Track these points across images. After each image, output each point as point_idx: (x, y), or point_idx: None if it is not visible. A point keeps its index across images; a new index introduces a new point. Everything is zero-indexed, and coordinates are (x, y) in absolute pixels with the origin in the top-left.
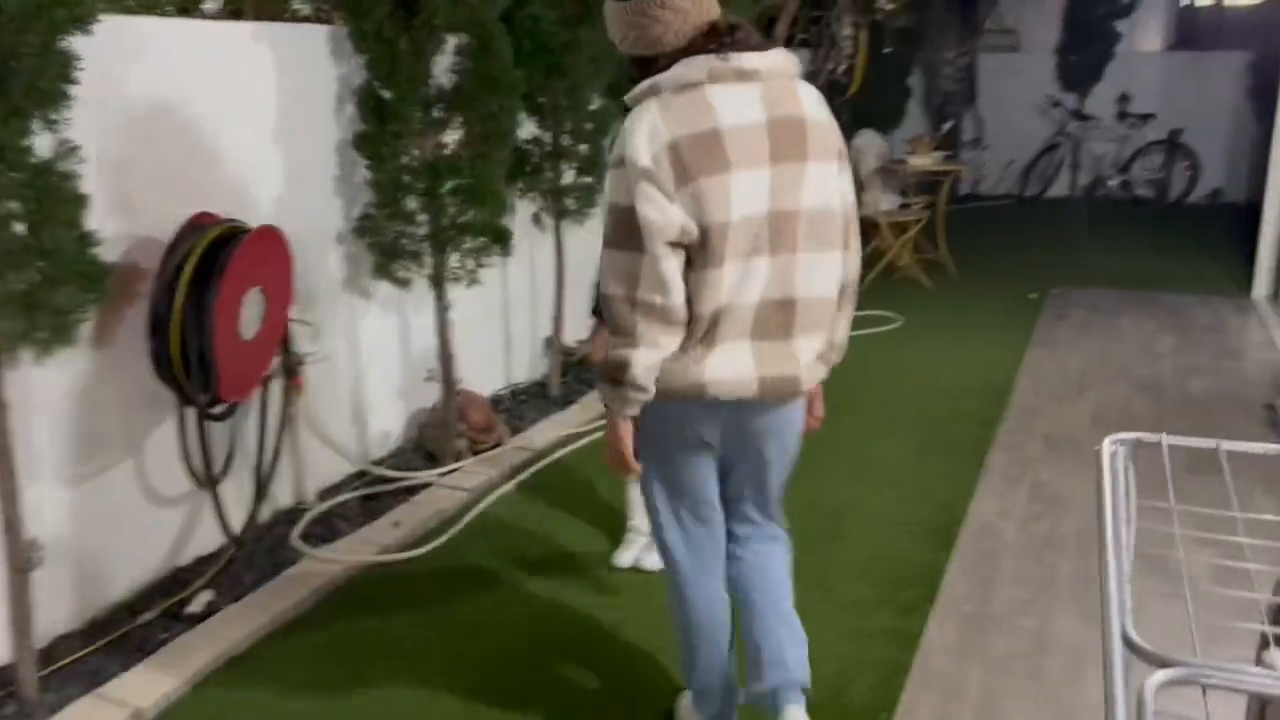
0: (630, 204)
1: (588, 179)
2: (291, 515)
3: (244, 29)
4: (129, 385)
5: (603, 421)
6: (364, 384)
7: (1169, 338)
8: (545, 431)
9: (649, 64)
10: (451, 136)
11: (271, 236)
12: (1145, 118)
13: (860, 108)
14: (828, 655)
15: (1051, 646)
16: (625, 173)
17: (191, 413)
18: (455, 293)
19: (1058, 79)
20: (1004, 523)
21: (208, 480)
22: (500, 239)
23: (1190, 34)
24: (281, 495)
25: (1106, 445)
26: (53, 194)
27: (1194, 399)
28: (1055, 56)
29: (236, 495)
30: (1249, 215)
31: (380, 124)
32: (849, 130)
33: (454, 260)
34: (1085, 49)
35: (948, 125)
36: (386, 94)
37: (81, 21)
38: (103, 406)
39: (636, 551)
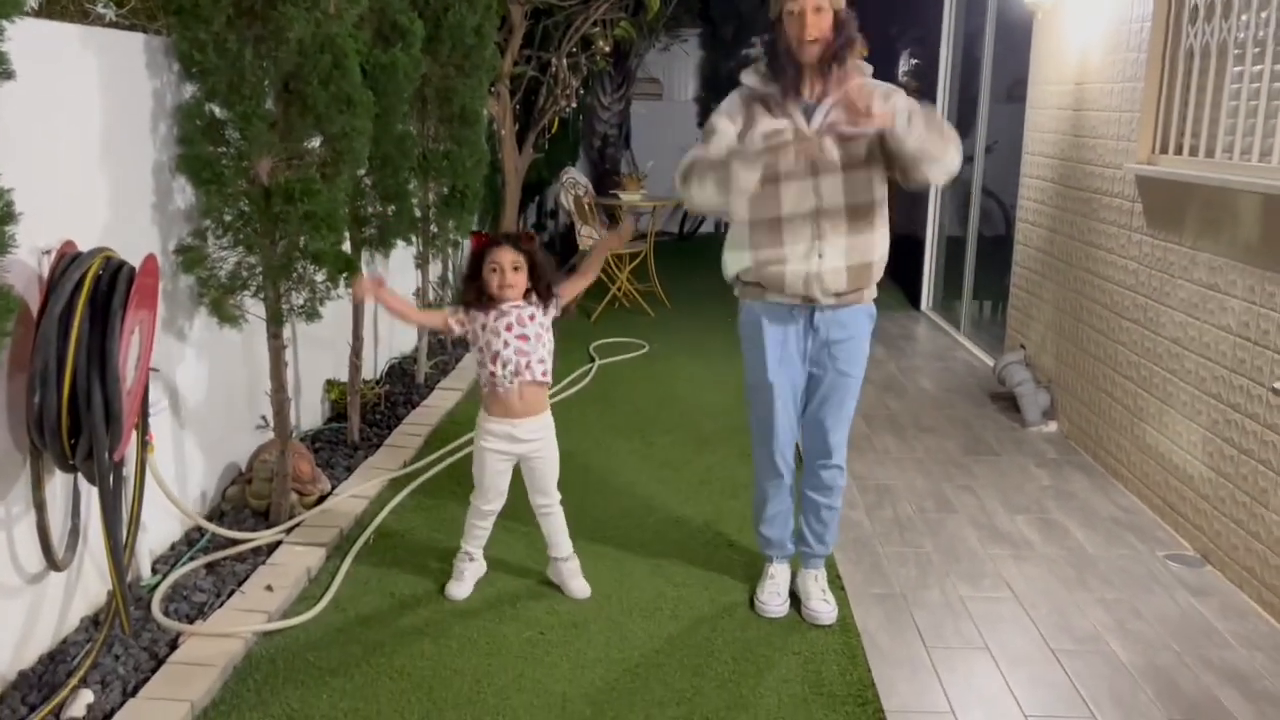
0: None
1: (391, 206)
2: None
3: (70, 31)
4: None
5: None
6: (183, 438)
7: (878, 346)
8: (367, 478)
9: None
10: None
11: (152, 269)
12: None
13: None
14: (783, 648)
15: (960, 611)
16: None
17: (59, 480)
18: (235, 335)
19: (699, 124)
20: (856, 513)
21: (65, 559)
22: (348, 268)
23: None
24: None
25: None
26: None
27: (931, 394)
28: (696, 104)
29: (71, 576)
30: None
31: (213, 145)
32: (553, 167)
33: (296, 294)
34: (720, 97)
35: (650, 164)
36: (220, 111)
37: None
38: None
39: (470, 583)
